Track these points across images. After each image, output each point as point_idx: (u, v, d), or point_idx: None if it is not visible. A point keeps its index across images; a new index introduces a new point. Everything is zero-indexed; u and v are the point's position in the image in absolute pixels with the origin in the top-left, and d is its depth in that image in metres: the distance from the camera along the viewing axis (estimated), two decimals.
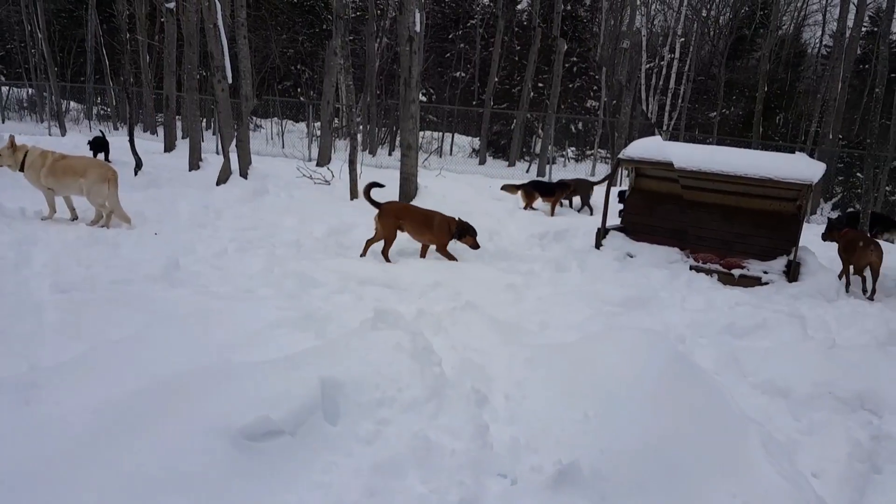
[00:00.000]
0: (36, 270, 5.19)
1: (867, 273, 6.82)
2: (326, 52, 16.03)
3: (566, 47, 17.94)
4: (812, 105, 23.49)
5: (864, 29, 21.11)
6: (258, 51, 22.65)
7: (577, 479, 2.64)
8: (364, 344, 3.68)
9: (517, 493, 2.64)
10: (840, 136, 17.96)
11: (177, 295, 4.77)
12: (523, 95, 18.94)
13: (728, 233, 7.44)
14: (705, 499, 2.65)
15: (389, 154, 19.03)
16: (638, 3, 20.79)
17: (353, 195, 10.16)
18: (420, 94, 11.45)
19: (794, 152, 8.01)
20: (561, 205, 11.33)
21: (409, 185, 9.98)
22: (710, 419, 3.14)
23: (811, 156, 9.91)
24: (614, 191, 9.13)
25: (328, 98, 14.88)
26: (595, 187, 11.59)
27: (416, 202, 9.31)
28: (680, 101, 22.15)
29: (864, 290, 6.86)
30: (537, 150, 19.58)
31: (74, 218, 7.51)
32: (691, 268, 6.98)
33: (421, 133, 15.96)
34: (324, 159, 14.26)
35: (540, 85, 20.88)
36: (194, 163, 12.16)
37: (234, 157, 10.89)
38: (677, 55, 21.71)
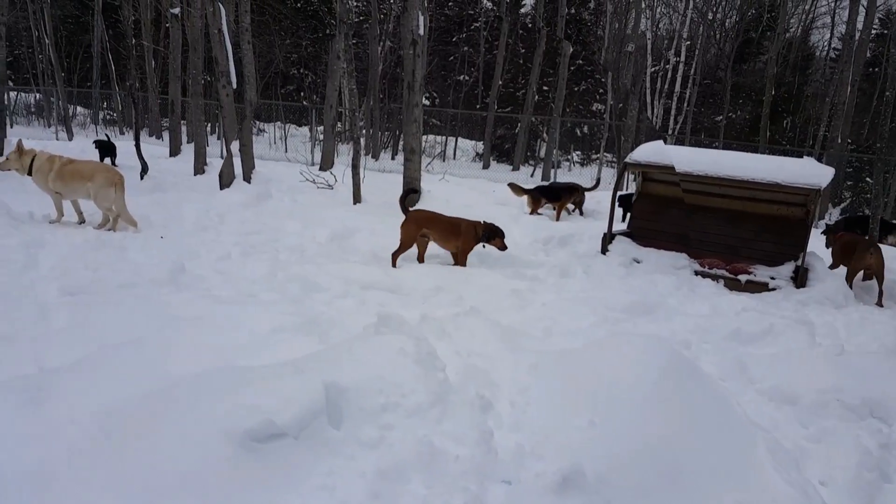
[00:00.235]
0: (44, 273, 5.22)
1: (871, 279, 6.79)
2: (329, 55, 16.10)
3: (571, 50, 17.95)
4: (820, 109, 23.40)
5: (873, 31, 21.02)
6: (262, 55, 22.76)
7: (582, 484, 2.64)
8: (367, 349, 3.67)
9: (521, 498, 2.63)
10: (849, 141, 17.88)
11: (182, 298, 4.79)
12: (528, 99, 18.94)
13: (735, 238, 7.41)
14: None
15: (392, 158, 19.06)
16: (643, 6, 20.78)
17: (357, 199, 10.17)
18: (423, 98, 11.46)
19: (801, 157, 7.96)
20: (569, 212, 11.29)
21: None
22: (715, 426, 3.12)
23: (819, 160, 9.88)
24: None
25: (331, 102, 14.92)
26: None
27: (419, 206, 9.32)
28: (686, 104, 22.11)
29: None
30: (542, 154, 19.57)
31: (82, 221, 7.55)
32: (696, 273, 6.94)
33: (424, 137, 15.98)
34: (327, 164, 14.30)
35: (545, 88, 20.88)
36: (199, 167, 12.21)
37: (237, 161, 10.93)
38: (683, 58, 21.68)
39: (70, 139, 18.65)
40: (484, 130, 20.37)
